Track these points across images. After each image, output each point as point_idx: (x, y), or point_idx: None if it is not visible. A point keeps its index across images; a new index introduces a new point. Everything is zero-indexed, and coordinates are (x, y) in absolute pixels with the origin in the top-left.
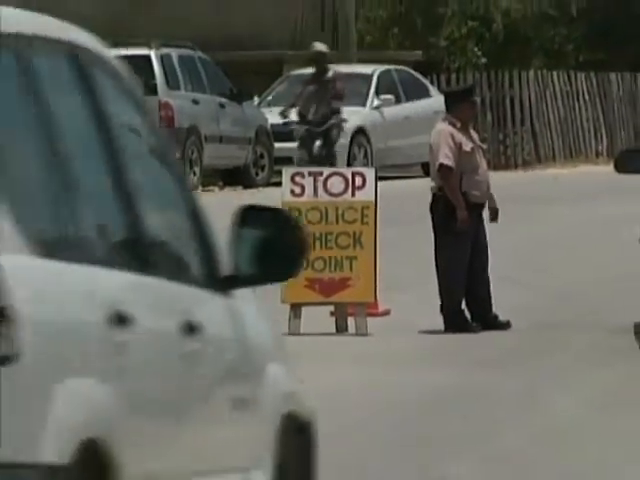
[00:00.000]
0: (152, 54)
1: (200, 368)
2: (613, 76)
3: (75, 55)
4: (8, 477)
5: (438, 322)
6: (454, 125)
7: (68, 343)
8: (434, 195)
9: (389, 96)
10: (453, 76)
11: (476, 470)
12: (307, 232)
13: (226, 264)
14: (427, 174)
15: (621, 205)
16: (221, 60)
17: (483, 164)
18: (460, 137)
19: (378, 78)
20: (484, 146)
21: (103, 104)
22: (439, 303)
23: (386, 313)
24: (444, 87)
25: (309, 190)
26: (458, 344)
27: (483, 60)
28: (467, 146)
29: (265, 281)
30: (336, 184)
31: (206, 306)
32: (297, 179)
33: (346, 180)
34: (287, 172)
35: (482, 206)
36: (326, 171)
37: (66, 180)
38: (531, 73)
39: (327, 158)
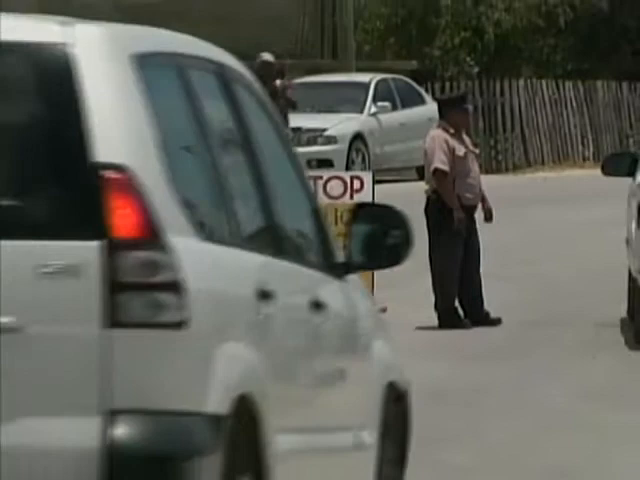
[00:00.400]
0: None
1: (324, 340)
2: (599, 84)
3: (221, 72)
4: (180, 422)
5: (433, 319)
6: (447, 131)
7: (225, 313)
8: (428, 198)
9: (386, 103)
10: (447, 84)
11: (468, 461)
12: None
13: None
14: (422, 178)
15: (607, 207)
16: None
17: (475, 168)
18: (453, 142)
19: (375, 86)
20: (477, 151)
21: (243, 113)
22: (433, 301)
23: (383, 310)
24: (438, 95)
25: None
26: (451, 340)
27: (475, 69)
28: (460, 151)
29: (373, 268)
30: (335, 187)
31: (327, 288)
32: None
33: (345, 183)
34: None
35: (474, 208)
36: (326, 175)
37: (222, 179)
38: (521, 81)
39: None
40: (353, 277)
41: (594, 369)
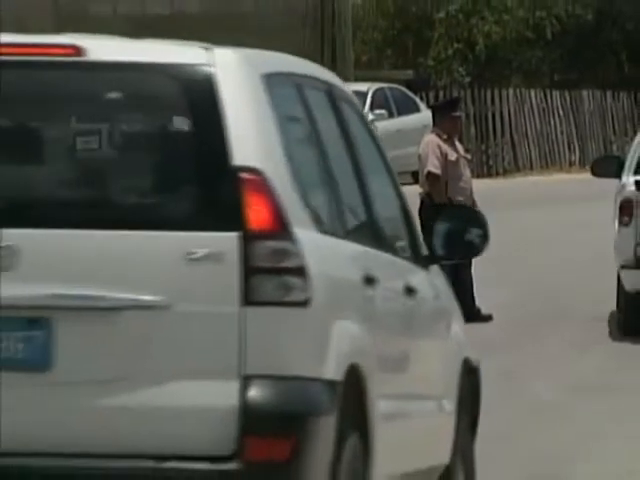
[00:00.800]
0: None
1: (414, 320)
2: (584, 93)
3: (329, 89)
4: (302, 386)
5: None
6: (440, 137)
7: (339, 294)
8: (422, 200)
9: (382, 111)
10: (440, 93)
11: None
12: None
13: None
14: (417, 182)
15: (592, 208)
16: None
17: (467, 172)
18: (446, 148)
19: (373, 95)
20: (468, 156)
21: (346, 124)
22: None
23: None
24: (432, 103)
25: None
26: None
27: (467, 79)
28: (452, 156)
29: (453, 259)
30: None
31: (416, 276)
32: None
33: None
34: None
35: None
36: None
37: (332, 181)
38: (510, 91)
39: None
40: (435, 267)
41: (582, 362)
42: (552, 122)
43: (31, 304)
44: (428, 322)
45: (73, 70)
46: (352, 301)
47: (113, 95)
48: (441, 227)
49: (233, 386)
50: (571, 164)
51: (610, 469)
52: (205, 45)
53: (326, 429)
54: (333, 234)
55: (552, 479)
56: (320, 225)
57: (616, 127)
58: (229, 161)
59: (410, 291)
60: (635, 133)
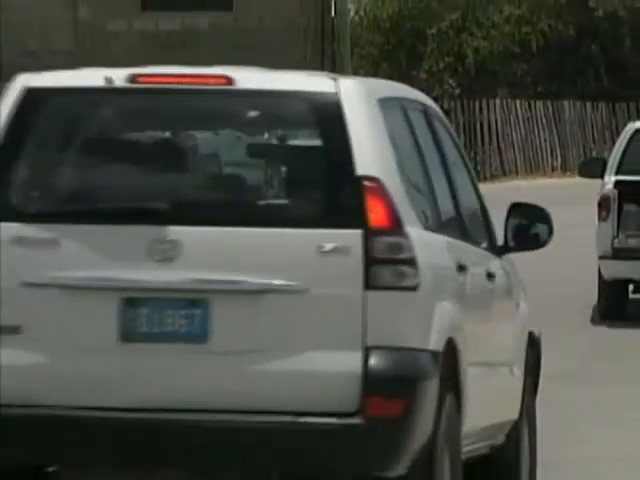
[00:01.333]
0: None
1: (494, 300)
2: (566, 104)
3: (424, 109)
4: (412, 355)
5: None
6: None
7: (440, 280)
8: None
9: None
10: None
11: None
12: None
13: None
14: None
15: (574, 210)
16: None
17: None
18: None
19: None
20: None
21: (438, 137)
22: None
23: None
24: None
25: None
26: None
27: (457, 90)
28: None
29: (522, 250)
30: None
31: (494, 263)
32: None
33: None
34: None
35: None
36: None
37: (431, 186)
38: (497, 101)
39: None
40: (507, 256)
41: (564, 350)
42: (536, 130)
43: (192, 288)
44: (503, 302)
45: (225, 96)
46: (449, 285)
47: (258, 116)
48: (512, 222)
49: (357, 355)
50: (553, 169)
51: (594, 454)
52: (332, 75)
53: (431, 391)
54: (433, 230)
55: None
56: (424, 223)
57: (595, 135)
58: (353, 171)
59: (490, 276)
60: (613, 141)
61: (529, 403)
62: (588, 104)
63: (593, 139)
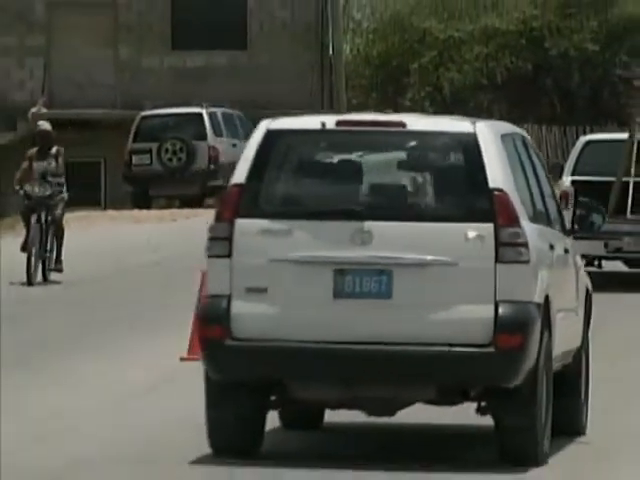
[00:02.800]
0: (203, 112)
1: (568, 267)
2: (525, 127)
3: (524, 140)
4: (526, 306)
5: None
6: None
7: (541, 256)
8: None
9: None
10: None
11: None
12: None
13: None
14: None
15: None
16: (252, 116)
17: None
18: None
19: None
20: None
21: (533, 159)
22: None
23: None
24: None
25: None
26: None
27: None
28: None
29: (582, 233)
30: None
31: (566, 241)
32: None
33: None
34: None
35: None
36: None
37: (532, 192)
38: (538, 127)
39: (46, 233)
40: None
41: None
42: None
43: (380, 262)
44: (572, 268)
45: (400, 134)
46: (545, 259)
47: (422, 147)
48: (576, 213)
49: (490, 306)
50: None
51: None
52: (472, 120)
53: (536, 329)
54: (533, 222)
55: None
56: (529, 217)
57: (549, 153)
58: (487, 184)
59: (566, 251)
60: (564, 157)
61: (585, 335)
62: (544, 127)
63: (547, 156)
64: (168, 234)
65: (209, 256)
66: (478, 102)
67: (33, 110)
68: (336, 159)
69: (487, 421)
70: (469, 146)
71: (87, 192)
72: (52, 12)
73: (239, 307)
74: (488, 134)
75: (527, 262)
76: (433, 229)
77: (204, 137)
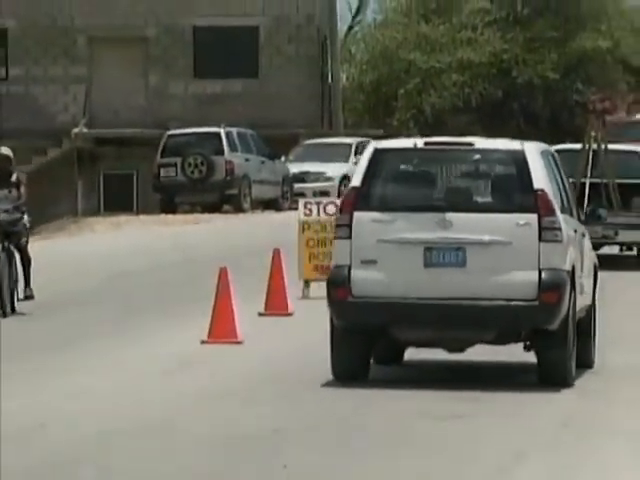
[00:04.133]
0: (221, 131)
1: (584, 247)
2: None
3: (552, 153)
4: (560, 273)
5: None
6: None
7: (570, 238)
8: None
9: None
10: None
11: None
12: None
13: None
14: None
15: None
16: (262, 135)
17: None
18: None
19: (356, 146)
20: None
21: (559, 167)
22: None
23: None
24: None
25: (314, 212)
26: None
27: (418, 135)
28: None
29: (592, 222)
30: (330, 208)
31: (582, 227)
32: (307, 205)
33: (336, 206)
34: (301, 201)
35: None
36: (325, 200)
37: (562, 191)
38: None
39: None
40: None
41: None
42: None
43: (457, 242)
44: (586, 247)
45: (470, 152)
46: (571, 240)
47: (486, 160)
48: (588, 207)
49: (535, 273)
50: None
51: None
52: (520, 142)
53: (567, 289)
54: (563, 213)
55: (473, 400)
56: (561, 209)
57: None
58: (532, 186)
59: (583, 235)
60: None
61: (594, 296)
62: None
63: None
64: (191, 235)
65: (335, 238)
66: (455, 123)
67: (76, 130)
68: (424, 169)
69: (528, 358)
70: (519, 159)
71: (122, 200)
72: (92, 47)
73: (356, 274)
74: (532, 150)
75: (561, 241)
76: (494, 218)
77: (221, 152)
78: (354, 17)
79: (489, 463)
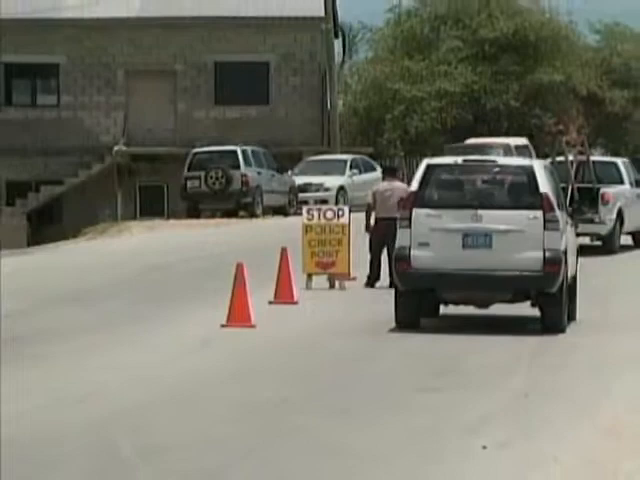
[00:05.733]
0: (237, 149)
1: (571, 233)
2: None
3: (550, 167)
4: (557, 250)
5: (384, 282)
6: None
7: (564, 226)
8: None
9: (356, 170)
10: (387, 161)
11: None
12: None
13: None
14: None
15: None
16: (272, 152)
17: (392, 201)
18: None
19: (351, 161)
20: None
21: (555, 177)
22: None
23: (354, 279)
24: (383, 166)
25: (316, 217)
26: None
27: (402, 153)
28: (387, 193)
29: (575, 217)
30: (329, 214)
31: (569, 220)
32: (310, 212)
33: (334, 212)
34: (304, 208)
35: (387, 219)
36: (324, 207)
37: (557, 191)
38: (426, 160)
39: None
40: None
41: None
42: None
43: (486, 230)
44: (572, 232)
45: (494, 166)
46: (565, 230)
47: (505, 172)
48: (572, 205)
49: (541, 252)
50: None
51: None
52: (530, 159)
53: (563, 263)
54: (559, 209)
55: (454, 373)
56: (558, 207)
57: None
58: (539, 190)
59: (572, 225)
60: None
61: (576, 268)
62: None
63: None
64: (212, 236)
65: (399, 227)
66: (434, 142)
67: (116, 148)
68: (461, 178)
69: (533, 312)
70: (529, 171)
71: (154, 207)
72: (129, 79)
73: (414, 252)
74: (537, 165)
75: (558, 230)
76: (512, 213)
77: (238, 167)
78: (344, 53)
79: (460, 423)
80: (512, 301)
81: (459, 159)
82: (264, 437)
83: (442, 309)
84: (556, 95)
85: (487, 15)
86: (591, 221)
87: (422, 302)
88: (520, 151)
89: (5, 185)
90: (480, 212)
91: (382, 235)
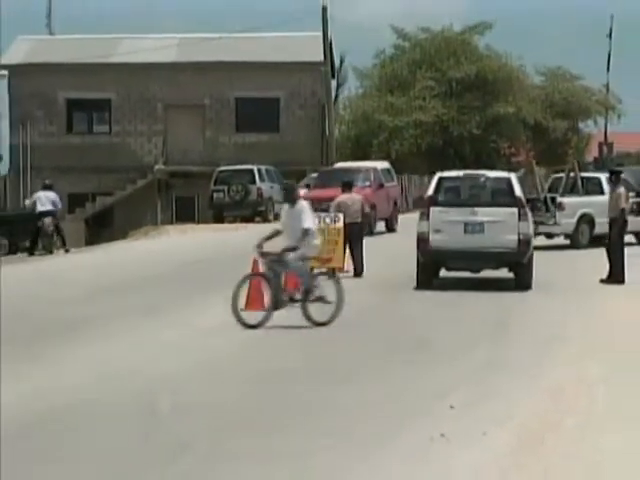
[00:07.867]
0: (254, 168)
1: (525, 227)
2: None
3: (518, 177)
4: (530, 235)
5: (370, 275)
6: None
7: (531, 220)
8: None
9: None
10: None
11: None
12: None
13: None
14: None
15: None
16: (281, 170)
17: (353, 208)
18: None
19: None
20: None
21: (521, 184)
22: (354, 268)
23: (348, 271)
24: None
25: (316, 222)
26: (379, 280)
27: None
28: (349, 202)
29: (534, 218)
30: (327, 220)
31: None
32: None
33: (332, 219)
34: None
35: (355, 224)
36: (323, 214)
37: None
38: (406, 176)
39: None
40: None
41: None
42: (425, 189)
43: (480, 221)
44: (529, 228)
45: (483, 177)
46: (531, 221)
47: (493, 182)
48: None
49: (516, 236)
50: None
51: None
52: (508, 173)
53: (532, 244)
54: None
55: (427, 342)
56: (526, 205)
57: None
58: (514, 194)
59: (520, 218)
60: None
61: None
62: None
63: None
64: (234, 237)
65: (420, 220)
66: (413, 163)
67: (156, 167)
68: (461, 186)
69: (509, 275)
70: (507, 180)
71: (187, 214)
72: (167, 110)
73: (432, 236)
74: (513, 176)
75: (528, 222)
76: (497, 209)
77: (254, 182)
78: (337, 89)
79: (428, 391)
80: (496, 268)
81: (461, 172)
82: (271, 399)
83: (443, 273)
84: (509, 124)
85: (455, 60)
86: (546, 223)
87: (434, 270)
88: (383, 172)
89: (67, 197)
90: (476, 209)
91: (347, 235)
